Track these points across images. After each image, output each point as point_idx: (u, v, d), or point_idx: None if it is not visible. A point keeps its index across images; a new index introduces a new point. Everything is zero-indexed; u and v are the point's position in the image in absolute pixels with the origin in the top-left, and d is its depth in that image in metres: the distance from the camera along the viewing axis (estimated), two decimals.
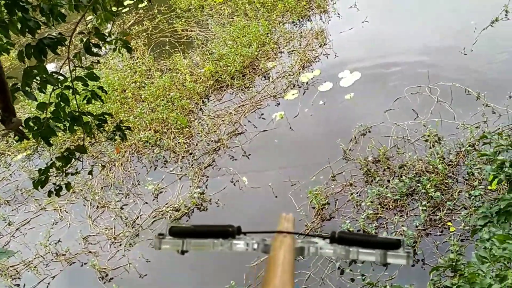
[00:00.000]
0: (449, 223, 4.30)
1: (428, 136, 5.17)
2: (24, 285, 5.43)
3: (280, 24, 8.10)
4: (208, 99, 7.13)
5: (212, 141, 6.37)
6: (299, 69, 7.01)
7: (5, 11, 2.28)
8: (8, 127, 2.42)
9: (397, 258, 1.02)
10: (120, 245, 5.48)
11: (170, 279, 4.99)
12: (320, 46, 7.34)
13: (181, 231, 1.08)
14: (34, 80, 2.48)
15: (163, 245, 1.07)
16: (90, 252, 5.53)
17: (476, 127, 5.07)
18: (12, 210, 6.52)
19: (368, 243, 1.04)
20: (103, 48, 3.11)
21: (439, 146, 5.00)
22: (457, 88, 5.65)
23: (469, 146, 4.87)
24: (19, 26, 2.34)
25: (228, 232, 1.07)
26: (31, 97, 2.55)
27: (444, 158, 4.85)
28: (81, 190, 6.37)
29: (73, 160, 3.19)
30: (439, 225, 4.32)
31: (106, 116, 3.24)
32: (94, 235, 5.74)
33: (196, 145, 6.41)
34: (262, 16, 8.27)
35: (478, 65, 5.93)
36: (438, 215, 4.37)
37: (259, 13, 8.42)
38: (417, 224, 4.38)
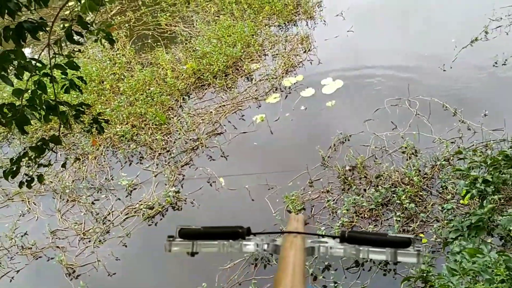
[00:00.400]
0: (421, 235, 4.35)
1: (406, 148, 5.23)
2: None
3: (266, 26, 8.09)
4: (189, 97, 7.05)
5: (190, 139, 6.29)
6: (283, 73, 7.00)
7: None
8: None
9: (408, 257, 1.02)
10: (90, 241, 5.35)
11: (139, 279, 4.88)
12: (305, 52, 7.36)
13: (191, 232, 1.07)
14: (11, 65, 2.38)
15: (173, 247, 1.06)
16: (57, 247, 5.37)
17: (452, 142, 5.15)
18: None
19: (378, 242, 1.04)
20: (86, 37, 3.01)
21: (416, 158, 5.06)
22: (435, 103, 5.74)
23: (444, 160, 4.95)
24: None
25: (238, 233, 1.06)
26: (8, 82, 2.44)
27: (419, 171, 4.91)
28: (51, 182, 6.19)
29: (47, 150, 3.08)
30: None
31: (84, 107, 3.14)
32: (62, 230, 5.59)
33: (174, 142, 6.32)
34: (248, 17, 8.25)
35: (456, 82, 6.04)
36: (411, 226, 4.42)
37: (245, 14, 8.40)
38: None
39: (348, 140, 5.63)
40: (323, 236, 1.09)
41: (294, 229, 1.11)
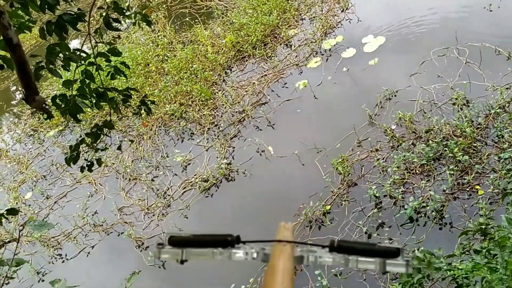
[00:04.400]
0: (477, 187, 4.24)
1: (456, 99, 5.04)
2: (66, 255, 5.70)
3: None
4: (231, 70, 7.13)
5: (236, 112, 6.40)
6: (321, 36, 6.88)
7: None
8: (32, 105, 2.48)
9: (396, 267, 1.01)
10: (153, 215, 5.66)
11: None
12: (342, 11, 7.16)
13: (180, 240, 1.08)
14: (58, 57, 2.53)
15: (162, 254, 1.07)
16: (125, 222, 5.73)
17: (507, 89, 4.91)
18: (49, 184, 6.80)
19: (367, 251, 1.04)
20: (124, 22, 3.13)
21: (467, 109, 4.88)
22: (486, 48, 5.45)
23: (499, 108, 4.73)
24: (38, 2, 2.37)
25: (227, 241, 1.07)
26: (56, 74, 2.60)
27: (472, 121, 4.74)
28: (113, 163, 6.55)
29: (102, 136, 3.28)
30: (467, 189, 4.27)
31: (131, 91, 3.29)
32: (128, 207, 5.95)
33: (221, 116, 6.46)
34: None
35: (508, 23, 5.68)
36: (466, 179, 4.31)
37: None
38: (445, 188, 4.33)
39: (395, 96, 5.50)
40: (312, 245, 1.09)
41: (284, 237, 1.11)
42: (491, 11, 5.93)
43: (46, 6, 2.34)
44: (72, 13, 2.40)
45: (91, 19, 2.98)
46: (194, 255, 1.07)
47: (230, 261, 1.06)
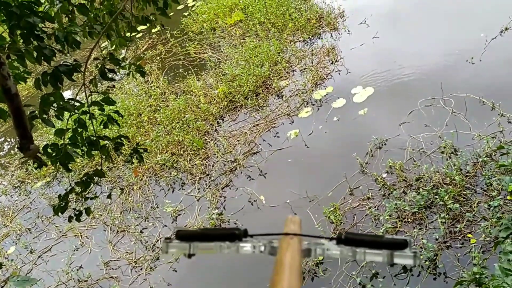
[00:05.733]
0: (469, 235, 4.22)
1: (444, 147, 5.13)
2: None
3: (291, 43, 8.20)
4: (223, 120, 7.22)
5: (228, 161, 6.42)
6: (312, 87, 7.06)
7: (21, 40, 2.38)
8: (27, 154, 2.49)
9: (404, 258, 1.00)
10: (141, 269, 5.51)
11: None
12: (332, 63, 7.40)
13: (188, 234, 1.08)
14: (51, 107, 2.57)
15: (170, 249, 1.07)
16: (111, 277, 5.56)
17: (493, 137, 5.01)
18: (34, 238, 6.64)
19: (375, 243, 1.03)
20: (118, 73, 3.21)
21: (456, 157, 4.95)
22: (471, 99, 5.62)
23: (486, 156, 4.81)
24: (35, 54, 2.44)
25: (234, 235, 1.07)
26: (49, 124, 2.63)
27: (461, 169, 4.79)
28: (101, 215, 6.45)
29: (92, 184, 3.26)
30: (459, 237, 4.25)
31: (122, 139, 3.32)
32: (115, 260, 5.79)
33: (213, 166, 6.47)
34: (273, 36, 8.40)
35: (490, 75, 5.90)
36: (457, 227, 4.30)
37: (270, 33, 8.56)
38: (437, 237, 4.31)
39: (385, 144, 5.58)
40: (319, 237, 1.09)
41: (291, 231, 1.10)
42: (473, 63, 6.17)
43: (43, 58, 2.40)
44: (68, 64, 2.46)
45: (86, 70, 3.05)
46: (201, 249, 1.06)
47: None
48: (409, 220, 4.56)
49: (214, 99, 7.54)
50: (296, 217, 1.18)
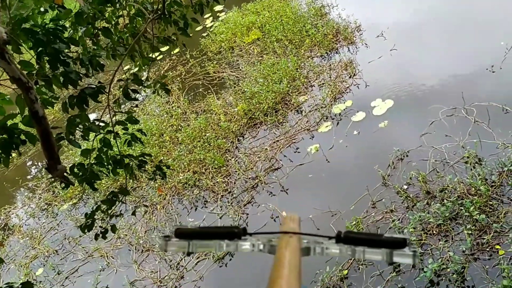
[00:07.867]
0: (497, 246, 4.12)
1: (468, 157, 5.05)
2: None
3: (309, 58, 8.27)
4: (243, 137, 7.28)
5: (249, 178, 6.45)
6: (331, 101, 7.08)
7: (48, 66, 2.49)
8: (54, 174, 2.59)
9: (403, 257, 1.00)
10: None
11: None
12: (350, 77, 7.41)
13: (187, 232, 1.09)
14: (77, 128, 2.67)
15: (169, 247, 1.08)
16: None
17: None
18: (61, 259, 6.76)
19: (374, 242, 1.03)
20: (140, 94, 3.31)
21: (480, 167, 4.87)
22: (493, 107, 5.54)
23: None
24: (61, 79, 2.55)
25: (234, 233, 1.08)
26: (75, 144, 2.72)
27: (486, 179, 4.71)
28: (126, 235, 6.53)
29: (117, 202, 3.35)
30: (487, 249, 4.15)
31: (146, 157, 3.41)
32: (140, 280, 5.83)
33: (234, 183, 6.51)
34: (290, 52, 8.48)
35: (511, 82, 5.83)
36: (485, 239, 4.21)
37: (287, 50, 8.65)
38: (464, 249, 4.22)
39: (407, 156, 5.53)
40: (318, 236, 1.08)
41: (290, 229, 1.10)
42: (493, 71, 6.10)
43: (69, 82, 2.50)
44: (93, 86, 2.56)
45: (110, 91, 3.16)
46: (200, 247, 1.07)
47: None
48: (434, 232, 4.49)
49: (234, 117, 7.63)
50: (295, 215, 1.18)
